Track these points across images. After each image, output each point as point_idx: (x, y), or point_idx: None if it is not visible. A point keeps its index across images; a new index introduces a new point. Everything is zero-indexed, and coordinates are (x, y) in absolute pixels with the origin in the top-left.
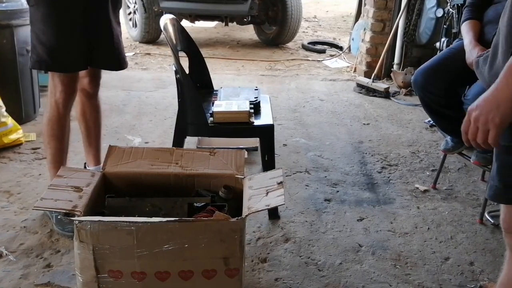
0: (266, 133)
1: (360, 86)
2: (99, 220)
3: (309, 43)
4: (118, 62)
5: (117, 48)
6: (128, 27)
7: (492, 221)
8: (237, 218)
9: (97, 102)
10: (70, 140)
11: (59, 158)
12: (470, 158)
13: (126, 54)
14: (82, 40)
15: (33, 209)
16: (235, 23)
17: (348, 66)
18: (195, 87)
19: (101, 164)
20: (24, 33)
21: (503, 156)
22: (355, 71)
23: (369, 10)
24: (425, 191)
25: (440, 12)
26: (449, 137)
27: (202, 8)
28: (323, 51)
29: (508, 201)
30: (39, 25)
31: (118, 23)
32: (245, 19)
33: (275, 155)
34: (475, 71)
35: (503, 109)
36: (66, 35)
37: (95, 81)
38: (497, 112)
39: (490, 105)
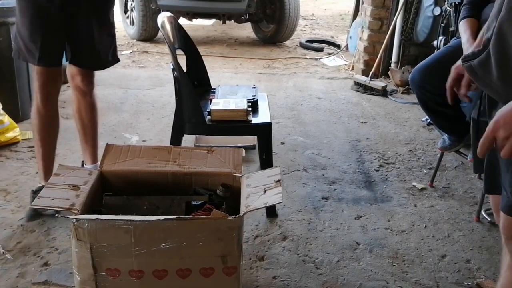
0: (264, 131)
1: (358, 84)
2: (97, 219)
3: (307, 41)
4: (98, 62)
5: (97, 47)
6: (126, 25)
7: (489, 219)
8: (235, 216)
9: (92, 100)
10: (67, 138)
11: (42, 148)
12: (467, 156)
13: (123, 52)
14: (58, 36)
15: (30, 208)
16: (232, 21)
17: (345, 65)
18: (192, 85)
19: (99, 163)
20: None
21: None
22: (352, 69)
23: (366, 8)
24: (422, 189)
25: (437, 11)
26: (446, 135)
27: (200, 6)
28: (320, 49)
29: None
30: (18, 16)
31: (106, 22)
32: (243, 17)
33: (273, 153)
34: (470, 75)
35: None
36: (38, 29)
37: (87, 79)
38: None
39: None
